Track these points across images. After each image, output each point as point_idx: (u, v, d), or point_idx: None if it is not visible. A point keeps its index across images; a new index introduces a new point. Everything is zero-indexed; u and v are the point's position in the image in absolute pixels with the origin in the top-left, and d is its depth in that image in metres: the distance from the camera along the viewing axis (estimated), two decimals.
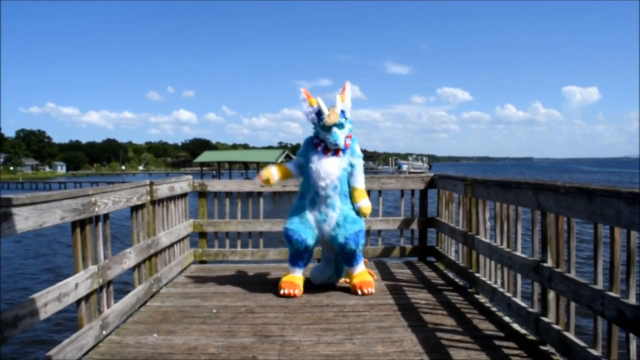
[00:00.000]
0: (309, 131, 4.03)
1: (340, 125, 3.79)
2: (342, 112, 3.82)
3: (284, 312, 3.50)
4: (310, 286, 4.06)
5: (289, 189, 5.29)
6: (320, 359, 2.68)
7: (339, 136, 3.78)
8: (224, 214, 5.20)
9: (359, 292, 3.86)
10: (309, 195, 3.92)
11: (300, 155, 4.09)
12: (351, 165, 3.96)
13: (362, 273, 4.00)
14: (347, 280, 4.08)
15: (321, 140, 3.88)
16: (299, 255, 3.95)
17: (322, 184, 3.82)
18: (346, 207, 3.92)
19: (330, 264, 4.11)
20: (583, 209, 2.33)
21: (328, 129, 3.79)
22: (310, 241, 3.90)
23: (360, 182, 4.01)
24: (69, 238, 2.84)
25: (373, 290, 3.92)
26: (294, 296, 3.80)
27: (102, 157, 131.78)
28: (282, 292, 3.82)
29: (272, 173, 4.01)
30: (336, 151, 3.87)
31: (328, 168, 3.81)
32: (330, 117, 3.76)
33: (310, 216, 3.91)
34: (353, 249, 3.87)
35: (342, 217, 3.88)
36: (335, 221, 3.87)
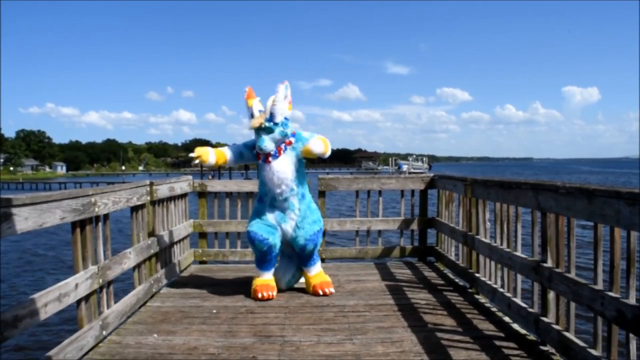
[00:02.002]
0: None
1: (268, 130, 3.65)
2: (272, 115, 3.64)
3: (284, 312, 3.50)
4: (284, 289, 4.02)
5: None
6: (320, 359, 2.68)
7: (265, 141, 3.63)
8: (224, 214, 5.20)
9: (321, 293, 3.86)
10: (267, 198, 3.87)
11: (245, 147, 3.93)
12: (298, 149, 3.78)
13: (320, 274, 4.00)
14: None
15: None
16: (263, 256, 3.86)
17: (278, 190, 3.77)
18: (304, 206, 3.88)
19: (293, 261, 4.05)
20: (583, 209, 2.32)
21: (257, 132, 3.69)
22: (274, 240, 3.82)
23: (313, 142, 3.74)
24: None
25: (333, 290, 3.92)
26: (271, 298, 3.77)
27: (102, 157, 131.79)
28: (259, 295, 3.76)
29: (209, 152, 3.87)
30: (266, 157, 3.72)
31: (281, 174, 3.72)
32: (252, 122, 3.66)
33: (270, 217, 3.86)
34: (312, 250, 3.87)
35: (301, 217, 3.85)
36: (295, 222, 3.85)
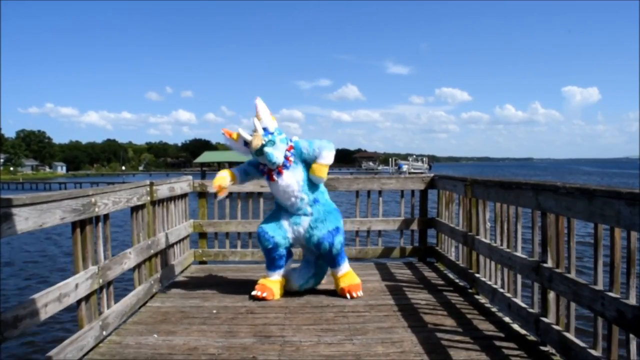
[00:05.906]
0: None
1: (270, 143, 3.70)
2: (265, 129, 3.73)
3: (284, 312, 3.50)
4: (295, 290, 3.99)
5: None
6: (320, 359, 2.68)
7: (274, 154, 3.69)
8: (224, 214, 5.20)
9: (348, 297, 3.84)
10: (282, 205, 3.94)
11: (249, 165, 4.00)
12: (305, 160, 3.84)
13: (348, 274, 3.96)
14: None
15: (264, 165, 3.82)
16: (267, 254, 3.90)
17: (289, 203, 3.86)
18: (317, 209, 3.89)
19: (310, 266, 4.04)
20: (583, 210, 2.32)
21: (260, 152, 3.73)
22: (280, 241, 3.85)
23: (323, 157, 3.82)
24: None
25: (361, 294, 3.89)
26: (267, 299, 3.77)
27: (102, 157, 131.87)
28: (253, 293, 3.81)
29: (225, 178, 3.90)
30: (279, 170, 3.78)
31: (288, 189, 3.79)
32: (253, 142, 3.71)
33: (284, 219, 3.92)
34: (328, 248, 3.82)
35: (314, 219, 3.86)
36: (308, 224, 3.86)
